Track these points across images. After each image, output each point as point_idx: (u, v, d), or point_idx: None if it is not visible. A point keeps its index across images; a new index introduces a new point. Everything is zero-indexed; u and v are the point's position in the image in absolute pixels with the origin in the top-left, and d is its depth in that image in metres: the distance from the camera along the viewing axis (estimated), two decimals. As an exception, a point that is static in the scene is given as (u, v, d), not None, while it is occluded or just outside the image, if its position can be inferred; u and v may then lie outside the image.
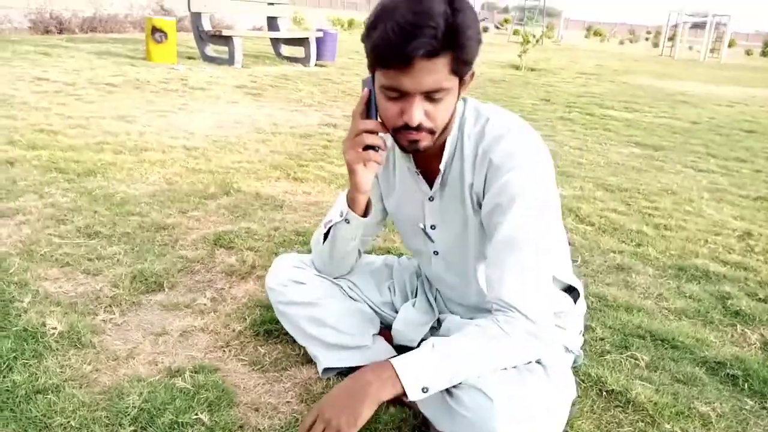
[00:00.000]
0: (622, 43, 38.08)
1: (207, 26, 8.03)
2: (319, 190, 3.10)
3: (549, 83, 9.27)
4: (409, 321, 1.55)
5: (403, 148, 1.20)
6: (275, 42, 9.40)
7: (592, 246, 2.59)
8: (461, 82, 1.14)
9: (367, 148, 1.23)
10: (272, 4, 9.09)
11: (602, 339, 1.81)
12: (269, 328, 1.71)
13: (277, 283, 1.57)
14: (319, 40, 9.04)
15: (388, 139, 1.25)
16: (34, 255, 2.07)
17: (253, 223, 2.54)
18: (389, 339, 1.58)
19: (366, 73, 1.19)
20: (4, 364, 1.45)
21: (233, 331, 1.73)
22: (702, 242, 2.73)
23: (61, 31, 10.50)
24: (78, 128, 3.86)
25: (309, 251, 1.59)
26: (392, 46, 1.03)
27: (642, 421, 1.45)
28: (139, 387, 1.42)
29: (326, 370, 1.52)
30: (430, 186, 1.32)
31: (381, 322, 1.61)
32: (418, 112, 1.10)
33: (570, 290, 1.45)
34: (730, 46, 27.30)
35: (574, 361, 1.56)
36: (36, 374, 1.44)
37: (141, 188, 2.85)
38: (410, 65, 1.04)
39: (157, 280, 1.97)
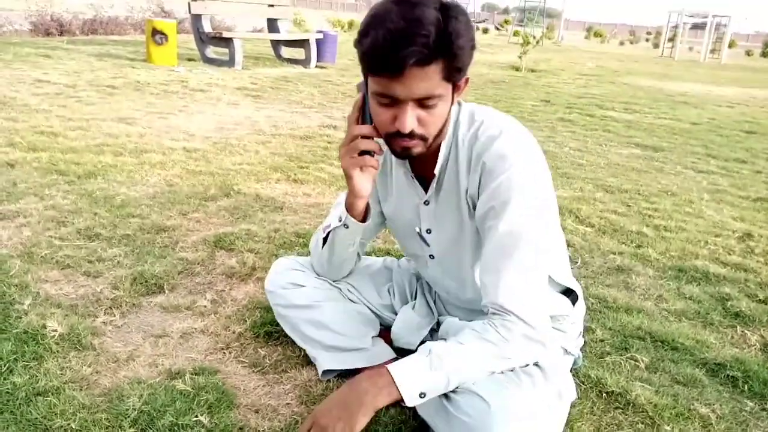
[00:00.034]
0: (622, 43, 38.10)
1: (207, 28, 8.05)
2: (320, 191, 3.10)
3: (549, 84, 9.28)
4: (408, 323, 1.55)
5: (396, 154, 1.20)
6: (275, 44, 9.41)
7: (592, 247, 2.59)
8: (455, 88, 1.14)
9: (363, 153, 1.22)
10: (272, 6, 9.10)
11: (602, 340, 1.81)
12: (269, 330, 1.71)
13: (276, 286, 1.57)
14: (319, 42, 9.04)
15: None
16: (35, 257, 2.07)
17: (253, 224, 2.54)
18: (389, 341, 1.58)
19: (362, 77, 1.19)
20: (4, 366, 1.45)
21: (233, 332, 1.73)
22: (702, 243, 2.73)
23: (61, 33, 10.51)
24: (78, 130, 3.86)
25: (309, 253, 1.60)
26: (383, 54, 1.03)
27: (642, 423, 1.45)
28: (139, 389, 1.42)
29: (326, 372, 1.52)
30: (426, 190, 1.32)
31: (381, 324, 1.61)
32: (410, 120, 1.10)
33: (568, 293, 1.45)
34: (730, 46, 27.31)
35: (574, 363, 1.56)
36: (36, 376, 1.44)
37: (141, 190, 2.86)
38: (402, 73, 1.04)
39: (157, 282, 1.97)
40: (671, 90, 9.90)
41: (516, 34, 25.25)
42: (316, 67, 8.85)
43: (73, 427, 1.28)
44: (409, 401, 1.10)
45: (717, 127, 6.26)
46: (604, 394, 1.54)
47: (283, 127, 4.61)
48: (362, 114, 1.22)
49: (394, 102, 1.10)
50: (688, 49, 27.56)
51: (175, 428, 1.30)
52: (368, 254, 2.07)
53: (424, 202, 1.34)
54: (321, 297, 1.53)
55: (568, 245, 2.54)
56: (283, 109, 5.34)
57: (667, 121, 6.48)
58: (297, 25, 14.52)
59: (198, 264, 2.14)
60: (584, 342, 1.70)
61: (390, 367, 1.11)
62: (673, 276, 2.35)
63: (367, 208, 1.37)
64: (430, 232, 1.38)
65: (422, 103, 1.10)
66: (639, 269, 2.39)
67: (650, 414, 1.47)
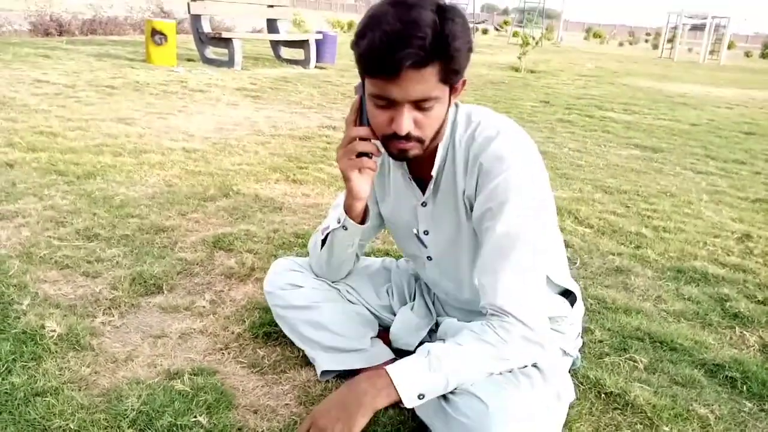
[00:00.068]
0: (621, 44, 38.12)
1: (207, 28, 8.05)
2: (319, 192, 3.10)
3: (548, 85, 9.28)
4: (407, 324, 1.55)
5: (392, 156, 1.20)
6: (275, 44, 9.41)
7: (591, 248, 2.59)
8: (452, 90, 1.14)
9: (360, 155, 1.22)
10: (272, 6, 9.10)
11: (601, 341, 1.81)
12: (268, 331, 1.71)
13: (275, 286, 1.57)
14: (318, 42, 9.05)
15: None
16: (34, 257, 2.07)
17: (252, 225, 2.54)
18: (388, 341, 1.58)
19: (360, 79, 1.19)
20: (3, 366, 1.45)
21: (232, 333, 1.73)
22: (701, 244, 2.73)
23: (61, 34, 10.51)
24: (78, 130, 3.86)
25: (308, 254, 1.59)
26: (380, 56, 1.03)
27: (641, 424, 1.45)
28: (137, 389, 1.42)
29: (324, 372, 1.52)
30: (423, 191, 1.32)
31: (379, 325, 1.61)
32: (406, 122, 1.10)
33: (567, 294, 1.45)
34: (729, 47, 27.32)
35: (573, 364, 1.56)
36: (35, 377, 1.44)
37: (140, 190, 2.86)
38: (398, 75, 1.04)
39: (156, 283, 1.97)
40: (670, 91, 9.91)
41: (515, 34, 25.27)
42: (316, 67, 8.86)
43: (72, 427, 1.28)
44: (408, 403, 1.10)
45: (716, 128, 6.27)
46: (603, 395, 1.54)
47: (283, 127, 4.61)
48: (360, 116, 1.21)
49: (390, 104, 1.10)
50: (687, 50, 27.57)
51: (174, 429, 1.30)
52: (367, 254, 2.07)
53: (422, 204, 1.34)
54: (320, 298, 1.53)
55: (567, 246, 2.54)
56: (282, 110, 5.34)
57: (666, 122, 6.49)
58: (296, 25, 14.52)
59: (197, 264, 2.14)
60: (583, 343, 1.70)
61: (389, 368, 1.11)
62: (672, 277, 2.36)
63: (366, 210, 1.37)
64: (427, 234, 1.37)
65: (419, 105, 1.10)
66: (638, 270, 2.39)
67: (649, 415, 1.47)
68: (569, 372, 1.50)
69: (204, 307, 1.86)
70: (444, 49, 1.04)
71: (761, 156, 5.01)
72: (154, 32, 7.40)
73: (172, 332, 1.71)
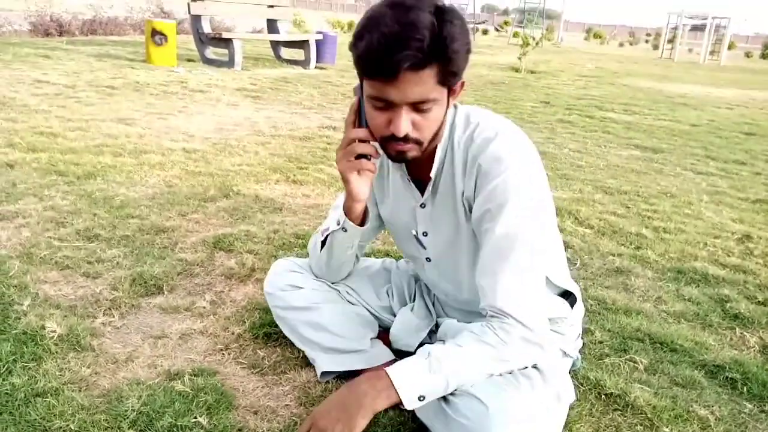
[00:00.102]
0: (621, 45, 38.13)
1: (207, 29, 8.05)
2: (319, 192, 3.10)
3: (549, 86, 9.28)
4: (407, 325, 1.55)
5: (391, 158, 1.20)
6: (275, 44, 9.41)
7: (591, 249, 2.59)
8: (450, 92, 1.13)
9: (359, 156, 1.22)
10: (272, 6, 9.10)
11: (601, 342, 1.81)
12: (268, 331, 1.71)
13: (275, 287, 1.57)
14: (318, 43, 9.05)
15: None
16: (34, 258, 2.07)
17: (252, 225, 2.54)
18: (388, 342, 1.58)
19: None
20: (3, 367, 1.45)
21: (232, 334, 1.73)
22: (701, 245, 2.73)
23: (61, 34, 10.51)
24: (78, 131, 3.86)
25: (308, 255, 1.59)
26: (378, 58, 1.03)
27: (641, 425, 1.45)
28: (138, 390, 1.42)
29: (325, 373, 1.52)
30: (422, 193, 1.32)
31: (379, 326, 1.61)
32: (405, 124, 1.10)
33: (567, 295, 1.45)
34: (729, 48, 27.33)
35: (573, 365, 1.56)
36: (35, 377, 1.44)
37: (140, 191, 2.86)
38: (396, 77, 1.04)
39: (156, 283, 1.97)
40: (671, 91, 9.91)
41: (515, 35, 25.27)
42: (316, 67, 8.86)
43: (72, 428, 1.28)
44: (408, 404, 1.10)
45: (716, 129, 6.27)
46: (603, 396, 1.54)
47: (283, 128, 4.61)
48: (358, 117, 1.21)
49: (388, 106, 1.10)
50: (687, 51, 27.58)
51: (174, 429, 1.30)
52: (367, 255, 2.07)
53: (421, 205, 1.34)
54: (320, 299, 1.53)
55: (568, 247, 2.54)
56: (282, 110, 5.35)
57: (666, 122, 6.49)
58: (296, 25, 14.53)
59: (197, 265, 2.14)
60: (583, 344, 1.70)
61: (389, 369, 1.11)
62: (672, 277, 2.36)
63: (366, 212, 1.37)
64: (426, 235, 1.37)
65: (417, 107, 1.09)
66: (638, 271, 2.39)
67: (649, 416, 1.47)
68: (569, 373, 1.50)
69: (204, 307, 1.86)
70: (442, 51, 1.04)
71: (761, 156, 5.01)
72: (155, 32, 7.40)
73: (172, 333, 1.71)
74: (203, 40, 8.03)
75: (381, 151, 1.22)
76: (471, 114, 1.26)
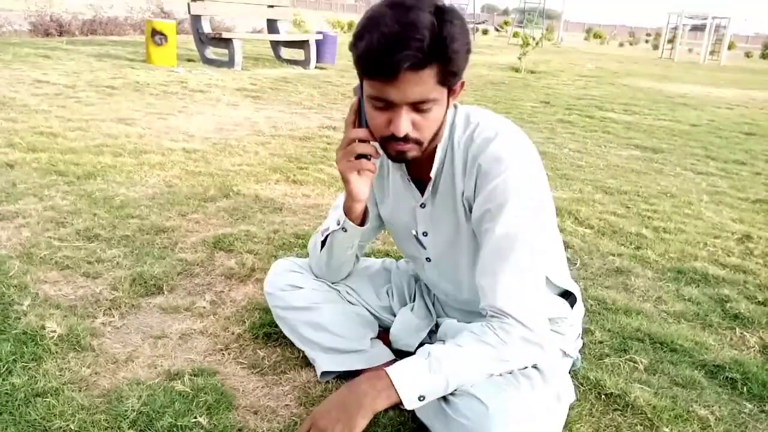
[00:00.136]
0: (621, 45, 38.13)
1: (207, 29, 8.05)
2: (319, 192, 3.10)
3: (549, 86, 9.28)
4: (406, 325, 1.55)
5: (391, 158, 1.20)
6: (275, 44, 9.41)
7: (591, 249, 2.59)
8: (450, 92, 1.13)
9: (359, 156, 1.22)
10: (272, 6, 9.10)
11: (601, 342, 1.81)
12: (268, 331, 1.71)
13: (275, 287, 1.57)
14: (318, 43, 9.05)
15: None
16: (34, 258, 2.07)
17: (252, 225, 2.54)
18: (388, 342, 1.58)
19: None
20: (3, 367, 1.45)
21: (232, 334, 1.73)
22: (701, 245, 2.73)
23: (61, 34, 10.52)
24: (78, 131, 3.86)
25: (308, 255, 1.59)
26: (378, 58, 1.03)
27: (641, 425, 1.45)
28: (138, 390, 1.42)
29: (325, 373, 1.52)
30: (422, 193, 1.32)
31: (379, 326, 1.61)
32: (404, 124, 1.10)
33: (567, 295, 1.45)
34: (729, 48, 27.33)
35: (573, 365, 1.56)
36: (35, 377, 1.44)
37: (140, 191, 2.86)
38: (396, 77, 1.04)
39: (156, 283, 1.97)
40: (671, 91, 9.91)
41: (516, 35, 25.27)
42: (316, 67, 8.86)
43: (72, 428, 1.28)
44: (408, 404, 1.10)
45: (716, 129, 6.27)
46: (603, 396, 1.54)
47: (283, 128, 4.61)
48: (358, 117, 1.21)
49: (388, 106, 1.10)
50: (687, 51, 27.58)
51: (174, 429, 1.30)
52: (367, 255, 2.07)
53: (421, 205, 1.34)
54: (319, 299, 1.53)
55: (568, 247, 2.54)
56: (282, 110, 5.35)
57: (666, 122, 6.49)
58: (296, 25, 14.53)
59: (197, 265, 2.14)
60: (583, 344, 1.70)
61: (389, 369, 1.11)
62: (672, 277, 2.36)
63: (366, 212, 1.37)
64: (426, 235, 1.37)
65: (417, 107, 1.09)
66: (638, 271, 2.39)
67: (649, 416, 1.47)
68: (569, 373, 1.50)
69: (204, 307, 1.86)
70: (442, 51, 1.04)
71: (761, 156, 5.01)
72: (155, 32, 7.40)
73: (172, 333, 1.71)
74: (203, 40, 8.03)
75: (381, 151, 1.22)
76: (471, 114, 1.26)
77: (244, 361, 1.61)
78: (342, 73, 8.46)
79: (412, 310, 1.57)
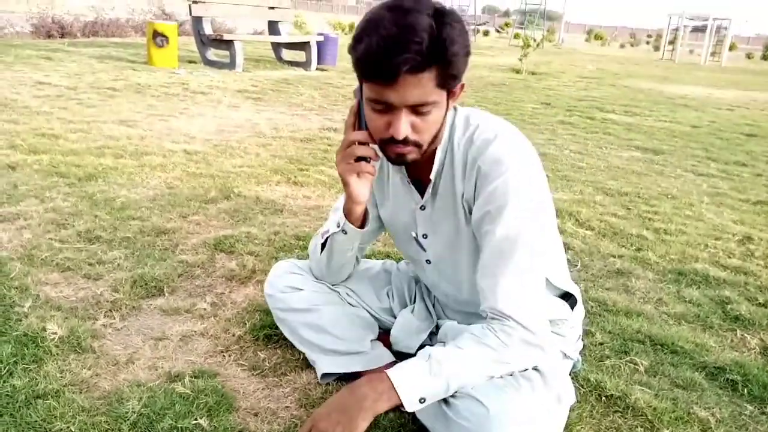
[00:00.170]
0: (622, 46, 38.16)
1: (208, 30, 8.06)
2: (320, 194, 3.10)
3: (549, 87, 9.28)
4: (407, 327, 1.55)
5: (390, 160, 1.20)
6: (276, 46, 9.42)
7: (592, 250, 2.59)
8: (450, 95, 1.13)
9: (359, 159, 1.22)
10: (273, 8, 9.12)
11: (601, 344, 1.81)
12: (269, 333, 1.71)
13: (275, 289, 1.57)
14: (320, 44, 9.06)
15: None
16: (35, 259, 2.07)
17: (253, 227, 2.54)
18: (388, 344, 1.58)
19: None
20: (4, 368, 1.45)
21: (233, 335, 1.73)
22: (702, 247, 2.73)
23: (62, 36, 10.54)
24: (79, 132, 3.87)
25: (309, 256, 1.60)
26: (377, 61, 1.03)
27: (641, 427, 1.45)
28: (138, 392, 1.42)
29: (325, 375, 1.52)
30: (422, 195, 1.32)
31: (380, 328, 1.61)
32: (404, 126, 1.10)
33: (567, 297, 1.45)
34: (730, 49, 27.32)
35: (573, 367, 1.56)
36: (36, 379, 1.44)
37: (142, 192, 2.86)
38: (395, 80, 1.04)
39: (157, 285, 1.97)
40: (672, 93, 9.90)
41: (516, 36, 25.28)
42: (317, 69, 8.87)
43: (73, 430, 1.28)
44: (409, 407, 1.10)
45: (717, 130, 6.26)
46: (604, 398, 1.54)
47: (284, 129, 4.61)
48: (358, 120, 1.21)
49: (388, 108, 1.10)
50: (688, 52, 27.59)
51: (175, 431, 1.30)
52: (368, 257, 2.07)
53: (420, 207, 1.34)
54: (320, 300, 1.53)
55: (568, 248, 2.54)
56: (283, 112, 5.35)
57: (667, 123, 6.49)
58: (298, 27, 14.56)
59: (198, 267, 2.14)
60: (583, 345, 1.70)
61: (389, 372, 1.11)
62: (673, 279, 2.35)
63: (366, 214, 1.37)
64: (426, 237, 1.38)
65: (416, 109, 1.09)
66: (639, 272, 2.39)
67: (649, 418, 1.47)
68: (570, 375, 1.50)
69: (205, 309, 1.86)
70: (441, 54, 1.04)
71: (762, 158, 5.01)
72: (156, 34, 7.41)
73: (173, 334, 1.71)
74: (204, 41, 8.05)
75: (380, 154, 1.22)
76: (470, 116, 1.26)
77: (244, 362, 1.61)
78: (343, 75, 8.47)
79: (412, 311, 1.57)
